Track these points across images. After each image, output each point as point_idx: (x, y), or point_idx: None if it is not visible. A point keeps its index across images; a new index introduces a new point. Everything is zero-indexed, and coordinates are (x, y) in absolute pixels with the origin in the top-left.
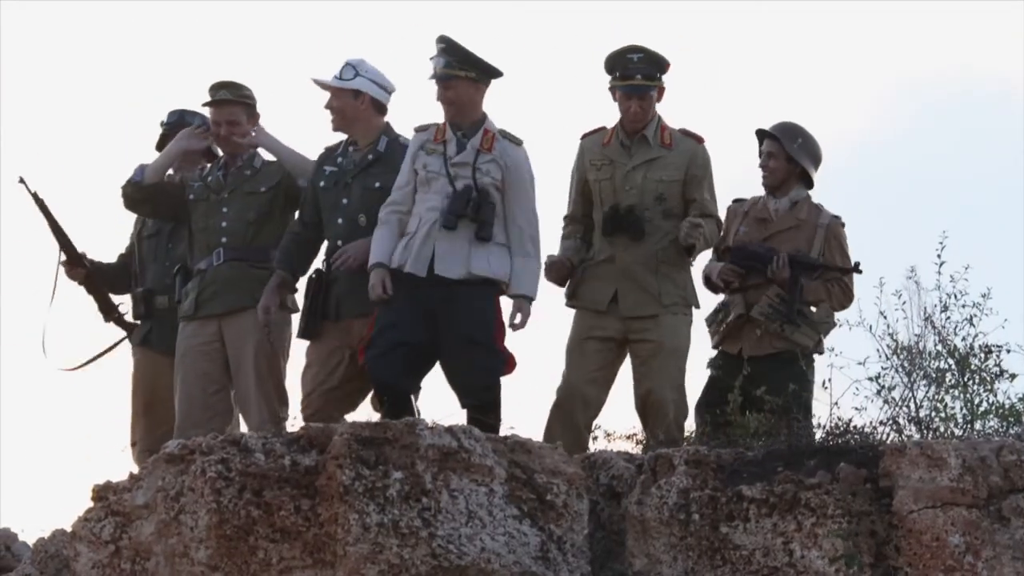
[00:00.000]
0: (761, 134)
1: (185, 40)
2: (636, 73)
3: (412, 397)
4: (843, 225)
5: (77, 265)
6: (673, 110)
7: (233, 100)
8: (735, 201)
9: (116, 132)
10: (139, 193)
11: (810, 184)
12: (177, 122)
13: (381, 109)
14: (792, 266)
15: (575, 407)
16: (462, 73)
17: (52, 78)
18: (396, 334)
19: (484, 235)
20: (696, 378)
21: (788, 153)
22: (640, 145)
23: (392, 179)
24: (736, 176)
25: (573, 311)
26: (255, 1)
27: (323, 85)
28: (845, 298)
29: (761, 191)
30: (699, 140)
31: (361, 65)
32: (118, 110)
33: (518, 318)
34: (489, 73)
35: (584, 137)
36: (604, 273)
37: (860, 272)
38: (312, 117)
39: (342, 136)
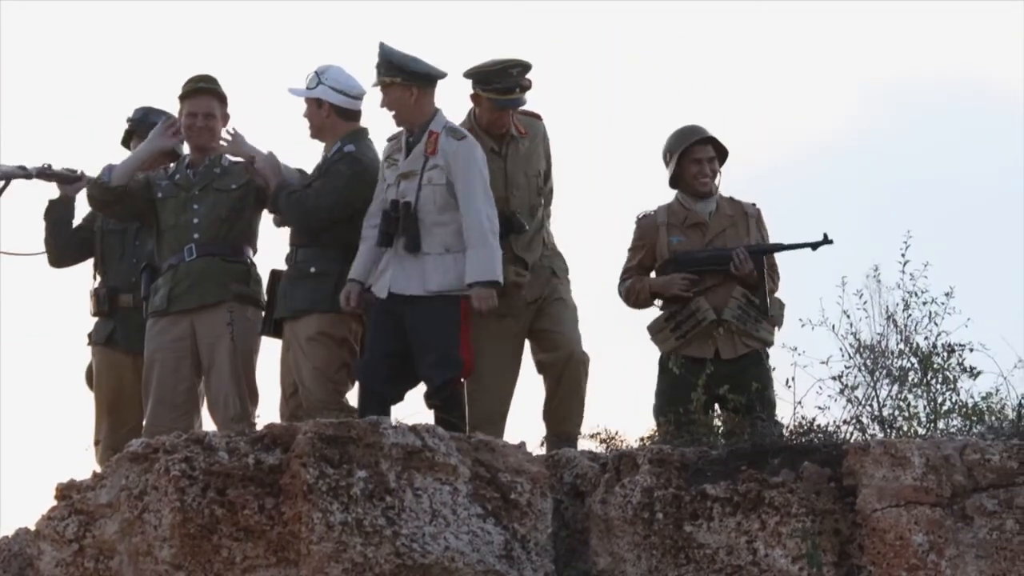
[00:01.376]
0: (700, 141)
1: (172, 40)
2: (515, 87)
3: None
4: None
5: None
6: (641, 111)
7: (209, 89)
8: (643, 216)
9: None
10: (107, 195)
11: None
12: (142, 118)
13: (346, 115)
14: (753, 257)
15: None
16: (388, 79)
17: (51, 78)
18: (383, 345)
19: (411, 248)
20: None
21: (722, 155)
22: (510, 145)
23: (328, 186)
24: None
25: None
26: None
27: (295, 94)
28: (778, 278)
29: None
30: (539, 117)
31: (325, 72)
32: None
33: (476, 303)
34: (416, 77)
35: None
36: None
37: (831, 242)
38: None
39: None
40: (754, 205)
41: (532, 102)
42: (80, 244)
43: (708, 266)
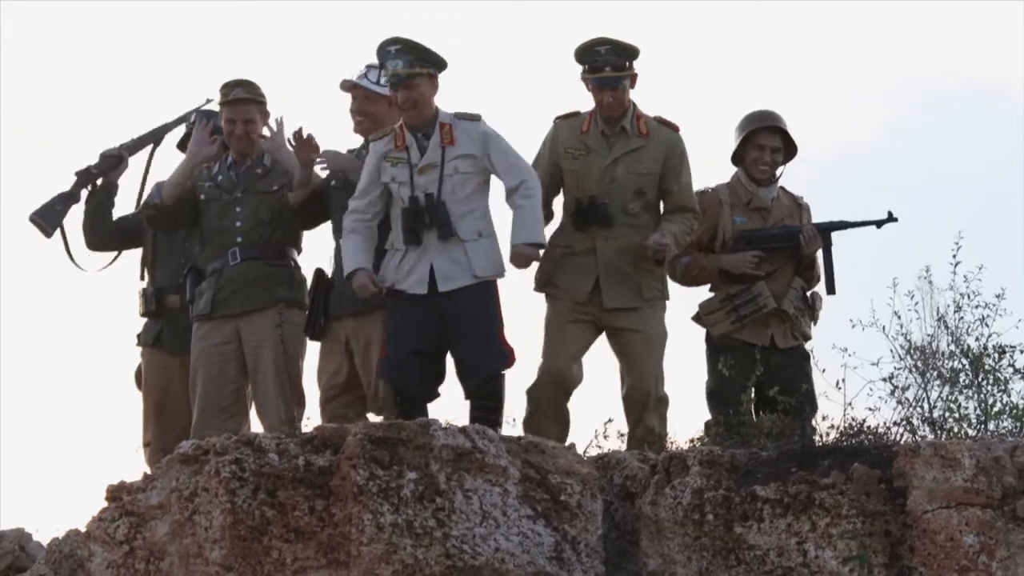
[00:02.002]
0: (764, 128)
1: (188, 41)
2: (605, 65)
3: (427, 405)
4: None
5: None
6: (682, 108)
7: (248, 99)
8: (710, 190)
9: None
10: (161, 213)
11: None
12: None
13: None
14: (822, 234)
15: (561, 386)
16: (423, 71)
17: (51, 77)
18: (409, 343)
19: (446, 235)
20: (677, 363)
21: (788, 143)
22: (619, 136)
23: None
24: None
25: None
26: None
27: (360, 89)
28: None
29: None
30: (675, 129)
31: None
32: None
33: (514, 260)
34: (443, 65)
35: (559, 120)
36: (584, 264)
37: (896, 220)
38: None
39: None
40: (803, 198)
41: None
42: (122, 233)
43: (779, 243)
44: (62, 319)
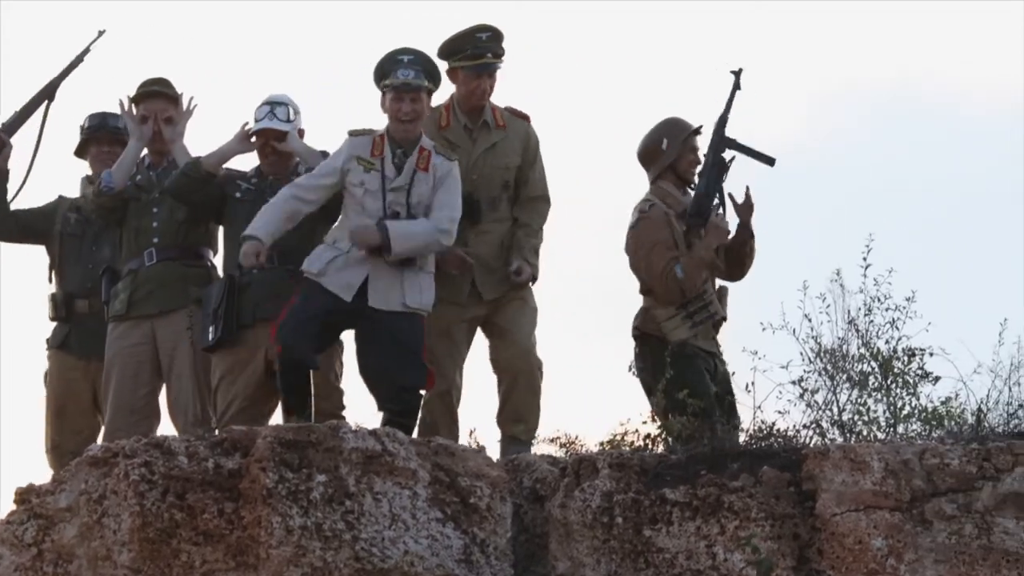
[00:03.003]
0: (694, 131)
1: (185, 41)
2: (487, 51)
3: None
4: None
5: None
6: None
7: (162, 94)
8: (651, 207)
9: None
10: (114, 201)
11: None
12: (99, 125)
13: None
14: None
15: (454, 395)
16: (428, 85)
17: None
18: (310, 309)
19: (403, 262)
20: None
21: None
22: (482, 130)
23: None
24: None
25: None
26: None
27: (272, 132)
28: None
29: None
30: (527, 119)
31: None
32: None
33: (353, 237)
34: (439, 85)
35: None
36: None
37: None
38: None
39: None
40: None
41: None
42: (20, 226)
43: (710, 204)
44: None
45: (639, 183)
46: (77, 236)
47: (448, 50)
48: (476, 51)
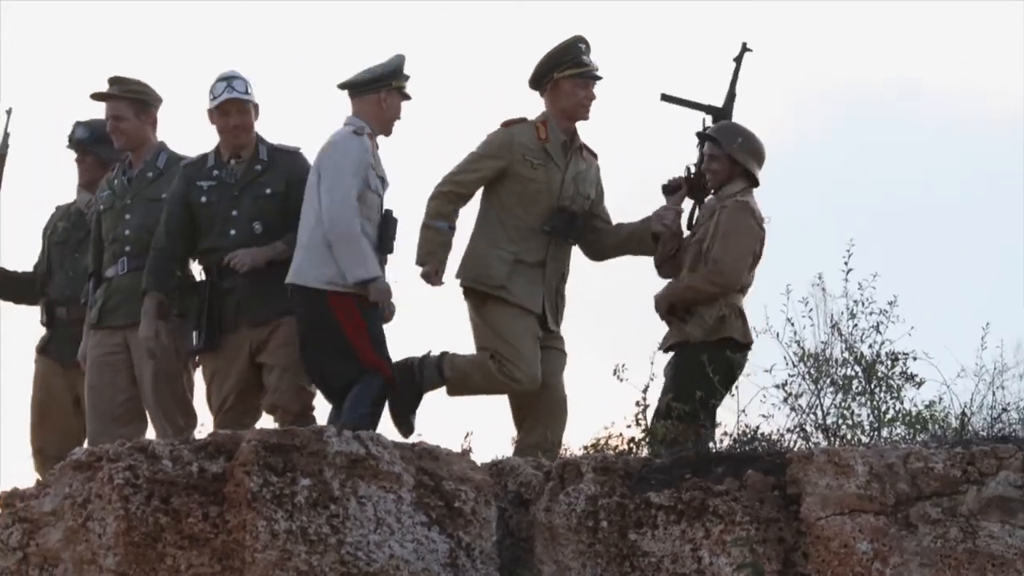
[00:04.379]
0: (701, 136)
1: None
2: (589, 61)
3: None
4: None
5: None
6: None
7: (118, 95)
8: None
9: None
10: None
11: (755, 183)
12: (92, 135)
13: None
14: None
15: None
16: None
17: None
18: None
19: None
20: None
21: (728, 153)
22: (576, 153)
23: (280, 184)
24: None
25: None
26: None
27: (236, 103)
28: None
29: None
30: (596, 156)
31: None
32: None
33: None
34: None
35: (510, 125)
36: (535, 277)
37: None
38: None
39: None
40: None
41: None
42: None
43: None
44: None
45: (634, 188)
46: (61, 244)
47: (550, 63)
48: (580, 60)
